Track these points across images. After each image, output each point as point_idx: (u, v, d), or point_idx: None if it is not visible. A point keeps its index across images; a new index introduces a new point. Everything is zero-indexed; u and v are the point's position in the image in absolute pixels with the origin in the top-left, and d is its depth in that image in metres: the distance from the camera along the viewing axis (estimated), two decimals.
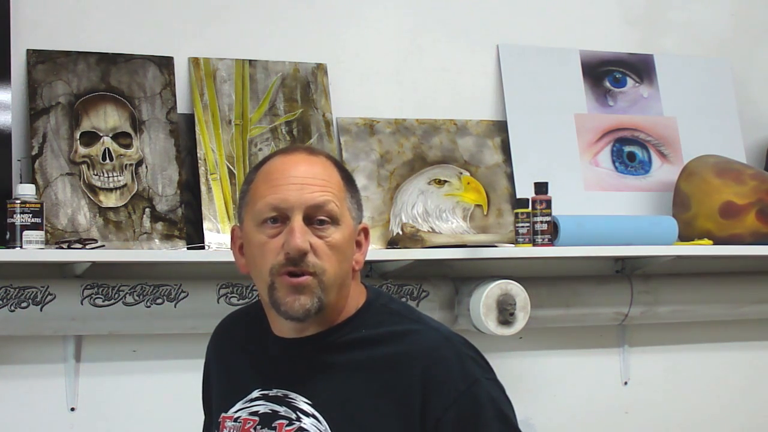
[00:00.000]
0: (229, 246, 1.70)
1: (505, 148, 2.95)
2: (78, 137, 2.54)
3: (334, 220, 1.57)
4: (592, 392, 3.03)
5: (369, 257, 1.76)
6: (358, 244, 1.65)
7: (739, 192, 2.86)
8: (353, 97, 2.85)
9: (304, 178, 1.57)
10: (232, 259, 1.68)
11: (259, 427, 1.60)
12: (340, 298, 1.61)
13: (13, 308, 2.37)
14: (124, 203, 2.54)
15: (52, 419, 2.54)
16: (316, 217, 1.56)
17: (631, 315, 2.93)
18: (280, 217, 1.56)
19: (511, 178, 2.92)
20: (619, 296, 2.91)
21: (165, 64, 2.66)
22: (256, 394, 1.63)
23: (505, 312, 2.59)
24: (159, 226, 2.56)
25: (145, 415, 2.61)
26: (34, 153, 2.49)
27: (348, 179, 1.65)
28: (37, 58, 2.55)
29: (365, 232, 1.67)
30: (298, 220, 1.55)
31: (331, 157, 1.66)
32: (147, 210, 2.56)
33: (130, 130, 2.59)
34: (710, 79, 3.21)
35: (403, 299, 2.63)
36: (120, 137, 2.58)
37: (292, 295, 1.55)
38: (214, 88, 2.69)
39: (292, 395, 1.59)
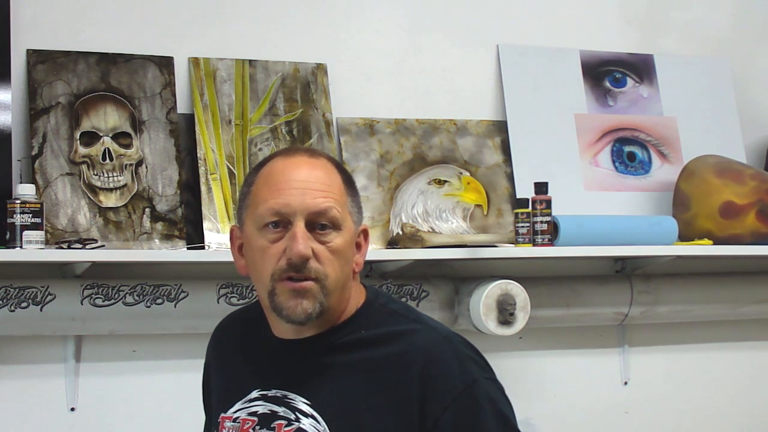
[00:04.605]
0: (229, 246, 1.70)
1: (505, 148, 2.95)
2: (78, 137, 2.54)
3: (336, 226, 1.57)
4: (592, 392, 3.03)
5: (369, 257, 1.76)
6: (358, 246, 1.64)
7: (739, 192, 2.86)
8: (353, 97, 2.85)
9: (306, 183, 1.57)
10: (232, 259, 1.68)
11: (258, 427, 1.60)
12: (341, 300, 1.61)
13: (13, 308, 2.37)
14: (124, 203, 2.54)
15: (52, 419, 2.54)
16: (318, 223, 1.55)
17: (631, 315, 2.93)
18: (282, 222, 1.56)
19: (511, 178, 2.92)
20: (619, 296, 2.91)
21: (165, 64, 2.66)
22: (255, 394, 1.63)
23: (505, 312, 2.59)
24: (159, 226, 2.56)
25: (145, 415, 2.61)
26: (34, 153, 2.49)
27: (348, 182, 1.64)
28: (37, 58, 2.55)
29: (365, 233, 1.66)
30: (300, 226, 1.54)
31: (332, 159, 1.65)
32: (147, 210, 2.56)
33: (130, 130, 2.59)
34: (710, 79, 3.21)
35: (403, 299, 2.63)
36: (120, 137, 2.58)
37: (294, 300, 1.55)
38: (214, 88, 2.69)
39: (291, 396, 1.59)
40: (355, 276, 1.64)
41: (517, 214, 2.66)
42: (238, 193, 2.61)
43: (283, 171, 1.59)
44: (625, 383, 3.07)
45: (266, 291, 1.57)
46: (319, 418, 1.55)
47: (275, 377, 1.62)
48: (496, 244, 2.72)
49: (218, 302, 2.53)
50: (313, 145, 2.73)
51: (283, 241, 1.55)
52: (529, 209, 2.66)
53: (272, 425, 1.58)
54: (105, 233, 2.50)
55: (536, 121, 2.98)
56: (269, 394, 1.61)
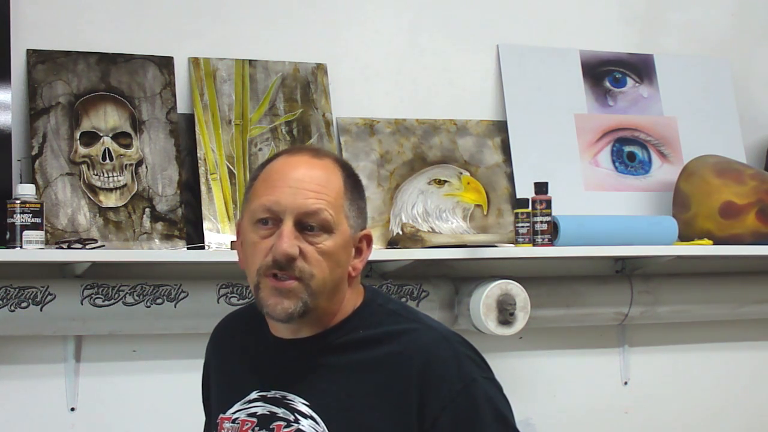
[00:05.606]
0: (230, 243, 1.70)
1: (505, 148, 2.95)
2: (78, 137, 2.54)
3: (327, 228, 1.55)
4: (592, 392, 3.03)
5: (369, 257, 1.75)
6: (359, 251, 1.63)
7: (739, 192, 2.86)
8: (353, 97, 2.85)
9: (300, 182, 1.56)
10: (231, 259, 1.69)
11: (257, 428, 1.59)
12: (333, 302, 1.60)
13: (13, 308, 2.37)
14: (124, 203, 2.54)
15: (52, 419, 2.54)
16: (307, 224, 1.55)
17: (631, 315, 2.93)
18: (273, 219, 1.55)
19: (511, 178, 2.92)
20: (619, 296, 2.91)
21: (165, 64, 2.66)
22: (254, 395, 1.63)
23: (505, 312, 2.59)
24: (159, 226, 2.56)
25: (145, 415, 2.61)
26: (34, 153, 2.49)
27: (352, 185, 1.62)
28: (37, 58, 2.55)
29: (368, 239, 1.65)
30: (288, 225, 1.54)
31: (339, 161, 1.64)
32: (147, 210, 2.56)
33: (130, 130, 2.59)
34: (710, 79, 3.21)
35: (403, 299, 2.63)
36: (120, 137, 2.58)
37: (274, 298, 1.54)
38: (214, 88, 2.69)
39: (290, 396, 1.59)
40: (352, 280, 1.63)
41: (517, 214, 2.66)
42: (242, 191, 2.62)
43: (281, 169, 1.59)
44: (625, 383, 3.06)
45: (253, 285, 1.57)
46: (318, 419, 1.55)
47: (274, 378, 1.62)
48: (496, 244, 2.72)
49: (218, 302, 2.53)
50: (313, 146, 2.72)
51: (272, 238, 1.55)
52: (529, 209, 2.66)
53: (271, 426, 1.58)
54: (105, 233, 2.50)
55: (536, 121, 2.98)
56: (268, 395, 1.61)
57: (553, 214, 2.67)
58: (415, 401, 1.53)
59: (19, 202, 2.33)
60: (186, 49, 2.70)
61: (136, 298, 2.46)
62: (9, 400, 2.52)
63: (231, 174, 2.64)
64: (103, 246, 2.45)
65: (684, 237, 2.86)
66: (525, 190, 2.81)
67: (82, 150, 2.54)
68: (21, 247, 2.32)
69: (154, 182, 2.58)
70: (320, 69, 2.81)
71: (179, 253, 2.54)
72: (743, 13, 3.33)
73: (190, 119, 2.67)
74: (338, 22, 2.88)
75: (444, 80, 2.97)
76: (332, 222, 1.56)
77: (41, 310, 2.39)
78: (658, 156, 3.10)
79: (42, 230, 2.35)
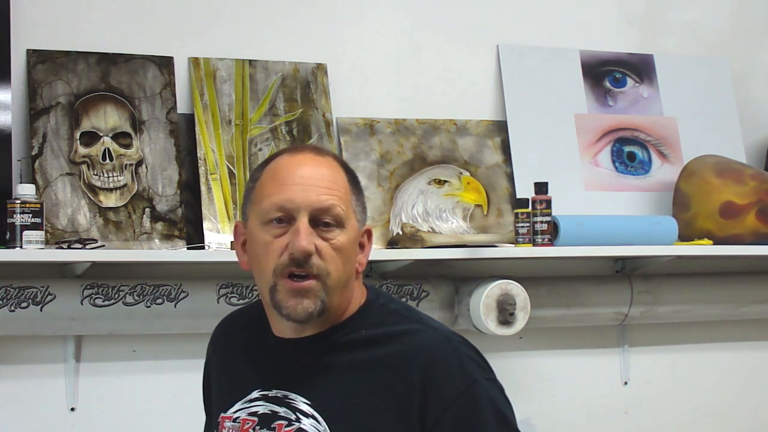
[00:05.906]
0: (230, 244, 1.70)
1: (505, 148, 2.95)
2: (78, 137, 2.54)
3: (340, 224, 1.57)
4: (592, 392, 3.03)
5: (369, 257, 1.76)
6: (361, 246, 1.65)
7: (739, 192, 2.86)
8: (353, 97, 2.85)
9: (311, 179, 1.57)
10: (232, 259, 1.68)
11: (258, 427, 1.60)
12: (343, 299, 1.61)
13: (13, 308, 2.37)
14: (124, 203, 2.54)
15: (52, 419, 2.54)
16: (321, 220, 1.56)
17: (631, 315, 2.93)
18: (286, 218, 1.56)
19: (511, 178, 2.92)
20: (619, 296, 2.91)
21: (165, 64, 2.66)
22: (255, 394, 1.63)
23: (505, 312, 2.59)
24: (159, 226, 2.56)
25: (145, 415, 2.61)
26: (34, 153, 2.49)
27: (353, 181, 1.64)
28: (37, 58, 2.55)
29: (369, 234, 1.67)
30: (303, 222, 1.55)
31: (338, 158, 1.66)
32: (147, 210, 2.56)
33: (130, 130, 2.59)
34: (710, 79, 3.21)
35: (403, 299, 2.63)
36: (120, 137, 2.58)
37: (294, 299, 1.55)
38: (214, 88, 2.69)
39: (292, 396, 1.59)
40: (358, 276, 1.65)
41: (517, 214, 2.66)
42: (239, 191, 2.62)
43: (287, 167, 1.60)
44: (625, 383, 3.06)
45: (268, 286, 1.57)
46: (320, 419, 1.56)
47: (276, 377, 1.62)
48: (496, 244, 2.72)
49: (218, 302, 2.53)
50: (312, 144, 2.72)
51: (286, 236, 1.55)
52: (529, 209, 2.66)
53: (272, 425, 1.58)
54: (105, 233, 2.50)
55: (536, 121, 2.98)
56: (270, 395, 1.61)
57: (553, 214, 2.67)
58: (417, 402, 1.53)
59: (19, 202, 2.33)
60: (186, 49, 2.70)
61: (136, 298, 2.46)
62: (9, 400, 2.52)
63: (231, 174, 2.64)
64: (103, 246, 2.45)
65: (684, 237, 2.86)
66: (525, 190, 2.81)
67: (82, 150, 2.54)
68: (21, 247, 2.31)
69: (154, 182, 2.58)
70: (320, 69, 2.81)
71: (179, 253, 2.54)
72: (743, 13, 3.33)
73: (190, 119, 2.67)
74: (338, 22, 2.88)
75: (444, 80, 2.97)
76: (344, 217, 1.58)
77: (41, 310, 2.39)
78: (658, 156, 3.10)
79: (42, 230, 2.35)
